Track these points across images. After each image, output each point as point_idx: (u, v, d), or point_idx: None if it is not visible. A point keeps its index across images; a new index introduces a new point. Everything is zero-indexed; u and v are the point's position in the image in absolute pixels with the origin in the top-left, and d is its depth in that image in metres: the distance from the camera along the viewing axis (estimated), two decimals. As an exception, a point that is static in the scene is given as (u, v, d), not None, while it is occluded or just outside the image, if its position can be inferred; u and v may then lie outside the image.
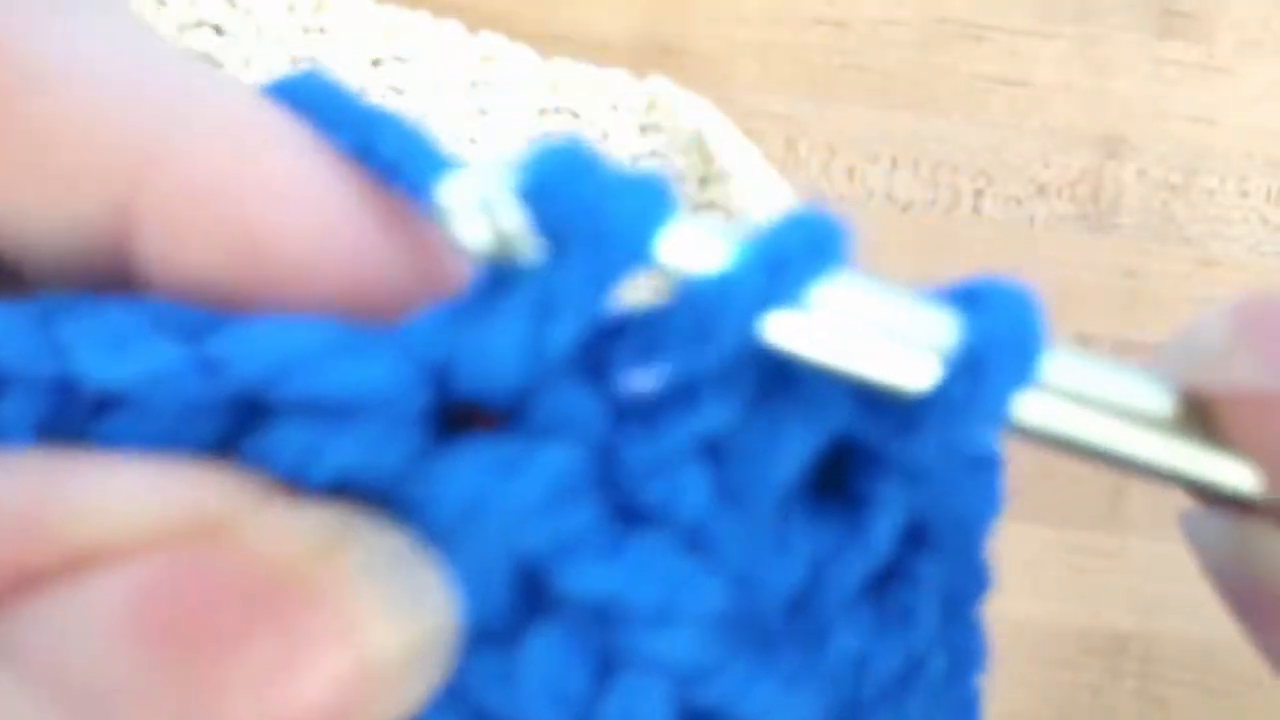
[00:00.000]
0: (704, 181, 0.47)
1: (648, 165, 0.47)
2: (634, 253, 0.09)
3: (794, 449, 0.09)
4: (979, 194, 0.51)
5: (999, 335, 0.10)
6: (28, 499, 0.10)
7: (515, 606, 0.08)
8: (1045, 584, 0.46)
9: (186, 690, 0.09)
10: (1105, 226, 0.53)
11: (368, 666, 0.09)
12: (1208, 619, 0.47)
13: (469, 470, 0.08)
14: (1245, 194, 0.53)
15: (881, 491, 0.10)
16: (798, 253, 0.09)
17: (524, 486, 0.08)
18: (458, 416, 0.09)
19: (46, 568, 0.09)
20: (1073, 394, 0.11)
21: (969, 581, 0.12)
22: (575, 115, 0.47)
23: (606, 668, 0.08)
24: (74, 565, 0.09)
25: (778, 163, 0.49)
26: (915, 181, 0.51)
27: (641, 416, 0.09)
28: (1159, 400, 0.11)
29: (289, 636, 0.09)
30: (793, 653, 0.09)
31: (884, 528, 0.10)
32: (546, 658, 0.08)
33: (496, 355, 0.08)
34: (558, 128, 0.48)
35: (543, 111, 0.47)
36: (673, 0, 0.52)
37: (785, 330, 0.09)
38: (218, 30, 0.45)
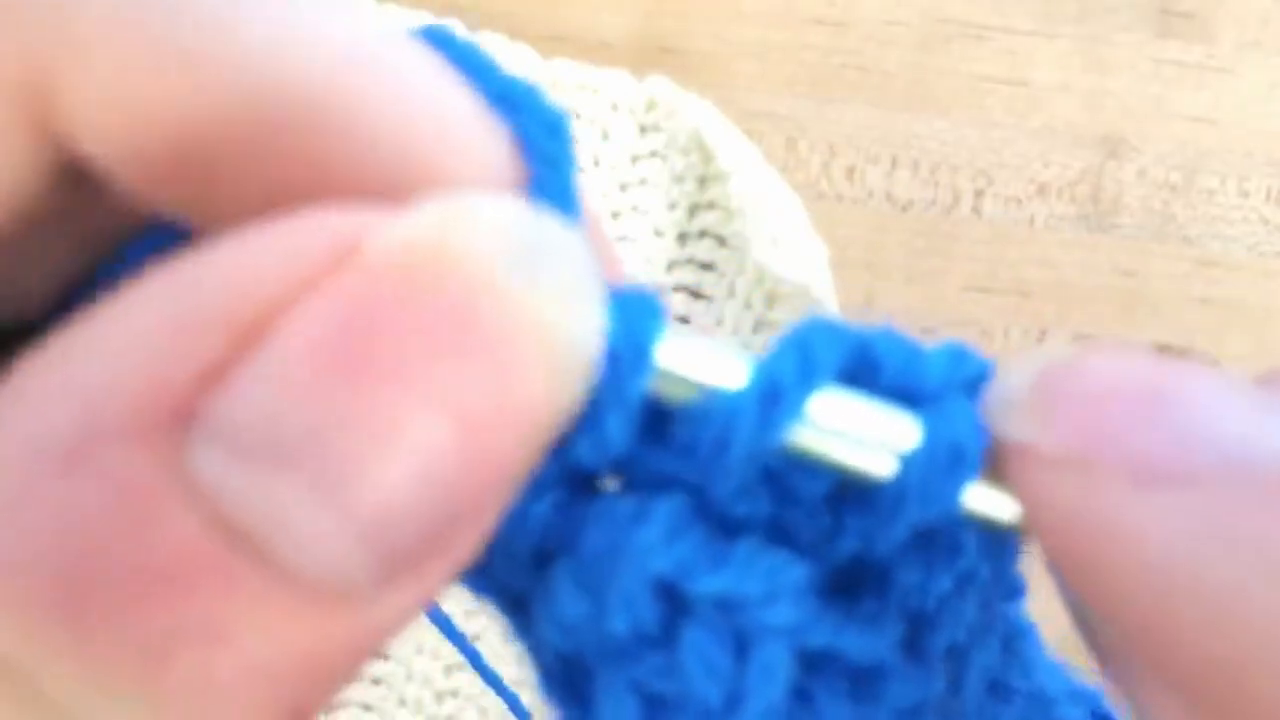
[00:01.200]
0: (704, 181, 0.47)
1: (647, 165, 0.47)
2: (639, 365, 0.11)
3: (822, 479, 0.12)
4: (979, 194, 0.51)
5: (942, 441, 0.12)
6: (176, 303, 0.10)
7: (665, 616, 0.12)
8: (1045, 584, 0.46)
9: (390, 411, 0.09)
10: (1105, 226, 0.53)
11: (559, 375, 0.10)
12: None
13: (609, 519, 0.12)
14: (1245, 194, 0.53)
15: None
16: (796, 377, 0.11)
17: (651, 527, 0.11)
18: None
19: (223, 358, 0.09)
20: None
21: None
22: (576, 115, 0.47)
23: (741, 644, 0.11)
24: (246, 343, 0.09)
25: (778, 163, 0.49)
26: (915, 181, 0.51)
27: (723, 474, 0.12)
28: None
29: (492, 351, 0.10)
30: (867, 604, 0.13)
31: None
32: (697, 648, 0.11)
33: (610, 440, 0.12)
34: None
35: (543, 111, 0.47)
36: (673, 0, 0.52)
37: (788, 438, 0.12)
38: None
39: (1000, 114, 0.51)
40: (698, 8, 0.52)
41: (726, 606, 0.11)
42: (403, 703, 0.44)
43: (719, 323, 0.46)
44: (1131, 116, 0.52)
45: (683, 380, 0.11)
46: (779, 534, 0.12)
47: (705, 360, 0.11)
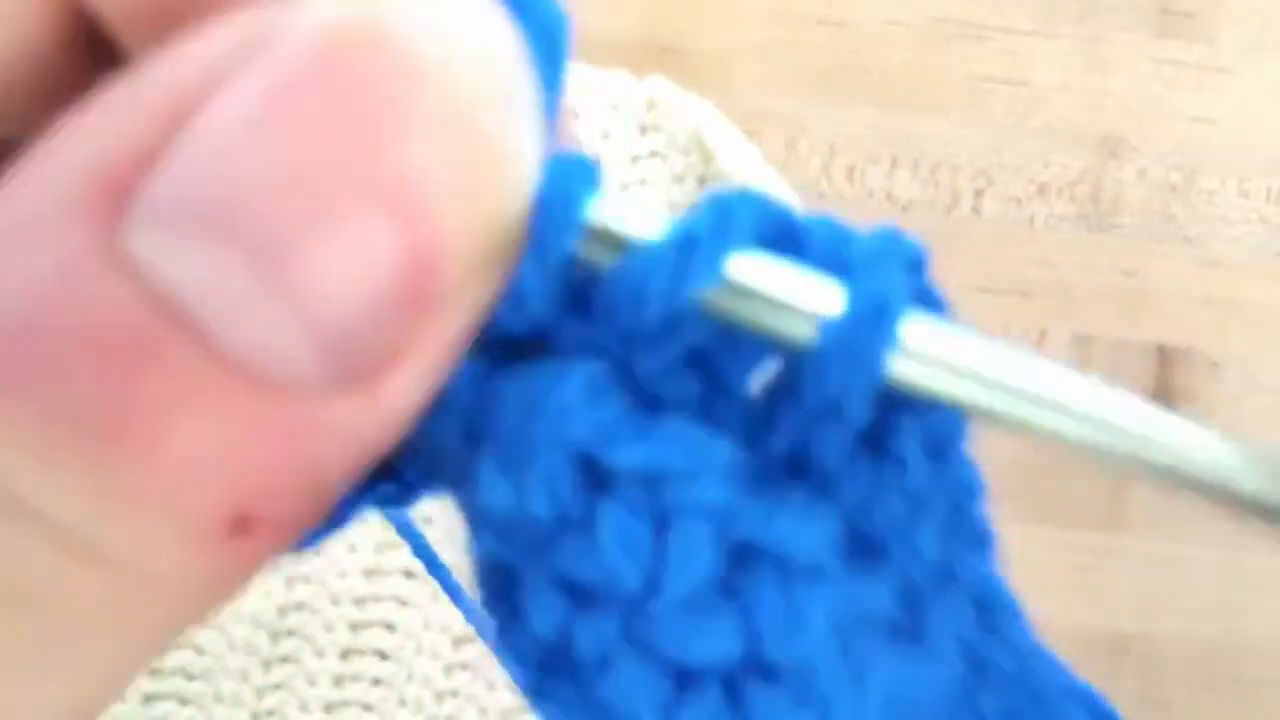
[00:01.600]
0: (704, 181, 0.47)
1: (647, 165, 0.47)
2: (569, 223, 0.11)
3: (751, 359, 0.12)
4: (979, 194, 0.51)
5: (865, 300, 0.11)
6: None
7: (584, 494, 0.11)
8: (1046, 584, 0.46)
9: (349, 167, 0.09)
10: (1105, 226, 0.53)
11: (498, 187, 0.10)
12: (1209, 619, 0.47)
13: (527, 384, 0.11)
14: (1245, 194, 0.53)
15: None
16: (713, 232, 0.11)
17: (567, 389, 0.11)
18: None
19: (158, 139, 0.09)
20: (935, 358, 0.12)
21: (952, 423, 0.13)
22: (575, 115, 0.47)
23: (662, 523, 0.11)
24: (178, 124, 0.09)
25: (778, 163, 0.49)
26: (915, 181, 0.51)
27: (644, 339, 0.12)
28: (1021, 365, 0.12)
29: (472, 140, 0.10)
30: (801, 496, 0.12)
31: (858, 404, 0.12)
32: (616, 525, 0.11)
33: (530, 297, 0.11)
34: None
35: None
36: (673, 0, 0.52)
37: (707, 297, 0.11)
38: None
39: (1000, 114, 0.51)
40: (698, 8, 0.52)
41: (647, 481, 0.11)
42: (403, 703, 0.44)
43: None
44: (1131, 116, 0.52)
45: (606, 237, 0.11)
46: (709, 421, 0.12)
47: (629, 218, 0.11)
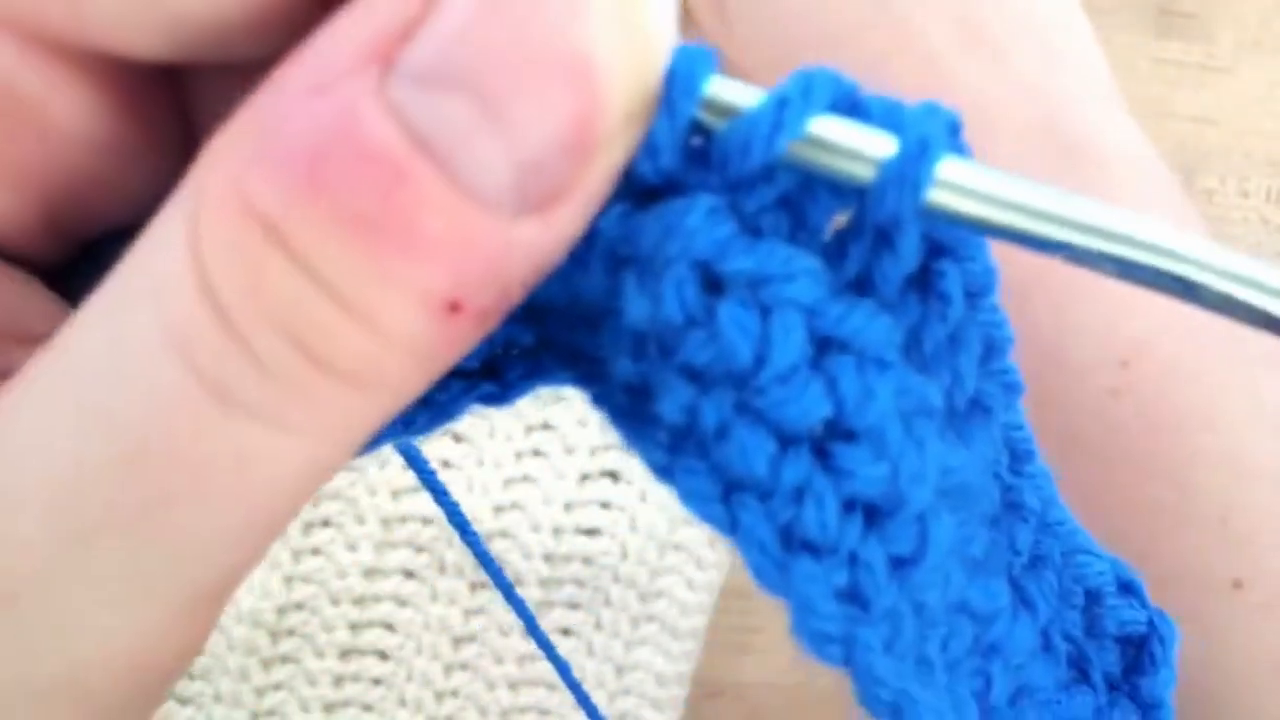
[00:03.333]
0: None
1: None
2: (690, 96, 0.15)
3: (828, 205, 0.15)
4: (979, 194, 0.51)
5: (912, 146, 0.15)
6: None
7: (703, 298, 0.14)
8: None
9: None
10: (1105, 226, 0.53)
11: (648, 60, 0.14)
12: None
13: (661, 212, 0.15)
14: (1245, 194, 0.53)
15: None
16: (799, 97, 0.15)
17: (693, 215, 0.14)
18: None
19: (417, 16, 0.13)
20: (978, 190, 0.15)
21: (986, 273, 0.17)
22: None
23: (765, 313, 0.14)
24: (431, 6, 0.13)
25: None
26: (915, 181, 0.51)
27: (746, 184, 0.15)
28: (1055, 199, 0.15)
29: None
30: (871, 304, 0.15)
31: (909, 248, 0.16)
32: (732, 315, 0.14)
33: (661, 150, 0.15)
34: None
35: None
36: (673, 0, 0.52)
37: (793, 149, 0.15)
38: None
39: (1000, 114, 0.51)
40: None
41: (754, 282, 0.15)
42: (403, 703, 0.44)
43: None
44: (1131, 116, 0.52)
45: (718, 105, 0.15)
46: (801, 246, 0.15)
47: (735, 91, 0.15)
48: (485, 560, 0.26)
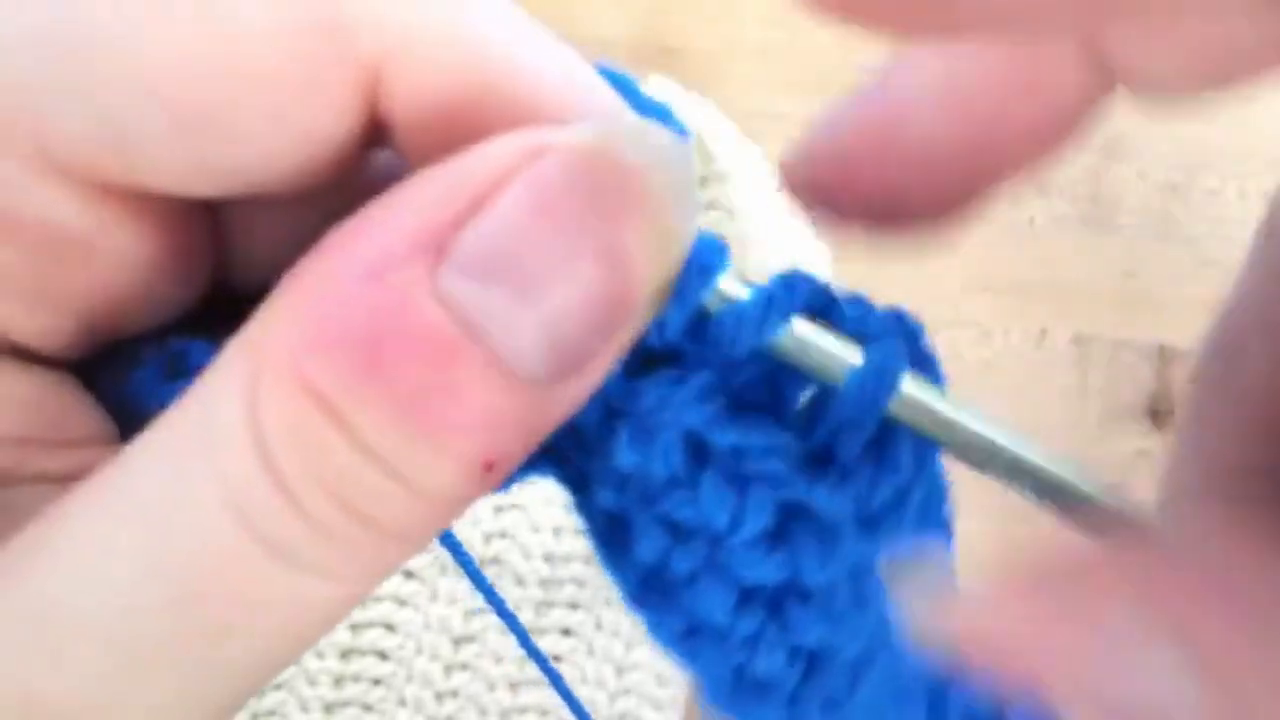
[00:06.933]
0: (704, 181, 0.47)
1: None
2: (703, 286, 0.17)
3: (801, 383, 0.17)
4: (979, 194, 0.51)
5: (875, 362, 0.17)
6: None
7: (689, 462, 0.16)
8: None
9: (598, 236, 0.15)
10: (1105, 226, 0.53)
11: (670, 252, 0.16)
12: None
13: (658, 382, 0.17)
14: (1245, 194, 0.53)
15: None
16: (784, 295, 0.17)
17: (687, 390, 0.16)
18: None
19: (465, 212, 0.15)
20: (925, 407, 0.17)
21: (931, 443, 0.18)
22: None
23: (743, 484, 0.16)
24: (478, 203, 0.15)
25: (778, 162, 0.49)
26: (915, 181, 0.51)
27: (735, 363, 0.17)
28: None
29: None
30: (832, 479, 0.17)
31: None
32: (714, 484, 0.16)
33: (668, 326, 0.17)
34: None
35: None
36: (672, 0, 0.52)
37: (776, 341, 0.17)
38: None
39: (1000, 114, 0.51)
40: (698, 8, 0.52)
41: (736, 456, 0.16)
42: (403, 703, 0.44)
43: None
44: (1131, 116, 0.52)
45: (719, 295, 0.17)
46: (773, 420, 0.17)
47: (733, 285, 0.17)
48: (473, 574, 0.26)
